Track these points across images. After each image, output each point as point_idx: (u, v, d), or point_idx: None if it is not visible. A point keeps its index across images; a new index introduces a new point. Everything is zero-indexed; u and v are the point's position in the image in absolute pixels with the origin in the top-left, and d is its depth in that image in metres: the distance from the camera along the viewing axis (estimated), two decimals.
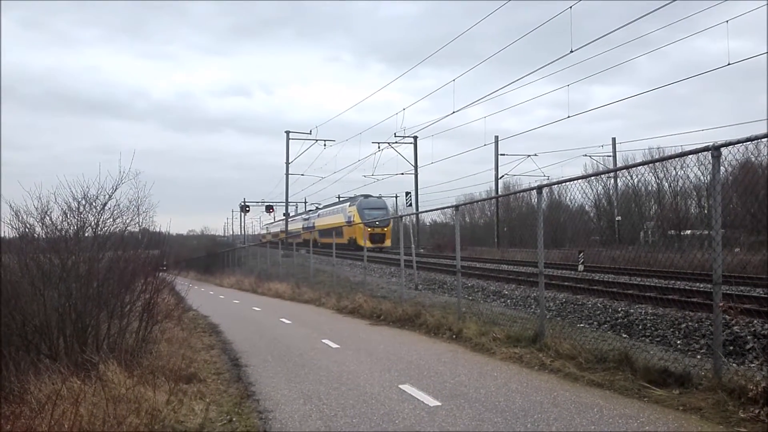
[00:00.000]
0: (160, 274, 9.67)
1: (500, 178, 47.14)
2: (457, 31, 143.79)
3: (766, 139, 5.65)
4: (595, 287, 13.91)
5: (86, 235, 8.19)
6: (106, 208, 8.19)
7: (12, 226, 7.80)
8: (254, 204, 65.00)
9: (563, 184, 9.51)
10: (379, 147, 44.74)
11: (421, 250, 40.20)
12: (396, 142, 44.59)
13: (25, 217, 7.73)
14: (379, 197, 49.13)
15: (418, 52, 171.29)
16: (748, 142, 5.81)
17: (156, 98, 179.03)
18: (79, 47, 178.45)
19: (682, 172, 7.29)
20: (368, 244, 22.50)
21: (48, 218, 7.86)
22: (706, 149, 5.90)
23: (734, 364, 7.03)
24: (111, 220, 8.37)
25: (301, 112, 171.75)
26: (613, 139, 41.62)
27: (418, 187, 47.90)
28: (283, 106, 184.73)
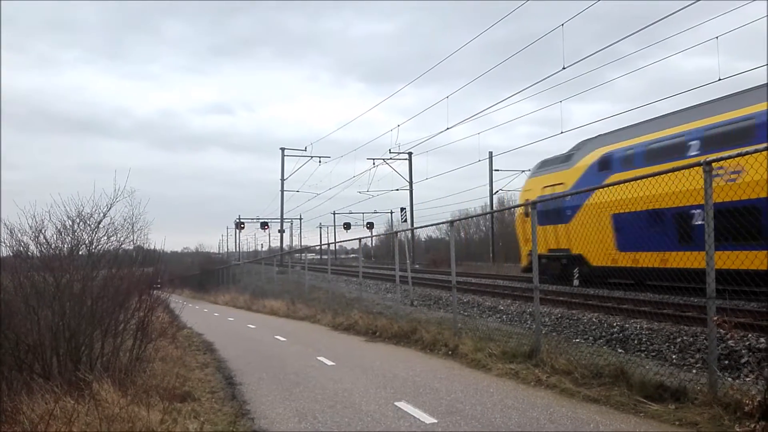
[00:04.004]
0: (155, 291, 9.63)
1: (495, 193, 47.36)
2: (431, 48, 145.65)
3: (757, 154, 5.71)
4: (590, 302, 13.92)
5: (80, 253, 8.17)
6: (101, 226, 8.19)
7: (6, 245, 7.79)
8: (249, 221, 65.02)
9: (558, 199, 9.55)
10: (374, 163, 44.94)
11: (417, 266, 40.20)
12: (391, 158, 44.81)
13: (19, 235, 7.72)
14: None
15: (395, 70, 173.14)
16: (739, 157, 5.89)
17: (140, 117, 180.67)
18: (61, 68, 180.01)
19: (676, 186, 7.35)
20: None
21: (42, 236, 7.85)
22: (698, 164, 5.95)
23: (730, 379, 7.04)
24: (105, 238, 8.36)
25: (286, 130, 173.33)
26: None
27: (413, 204, 48.07)
28: (266, 124, 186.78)
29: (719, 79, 15.64)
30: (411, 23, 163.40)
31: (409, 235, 41.24)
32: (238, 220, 63.24)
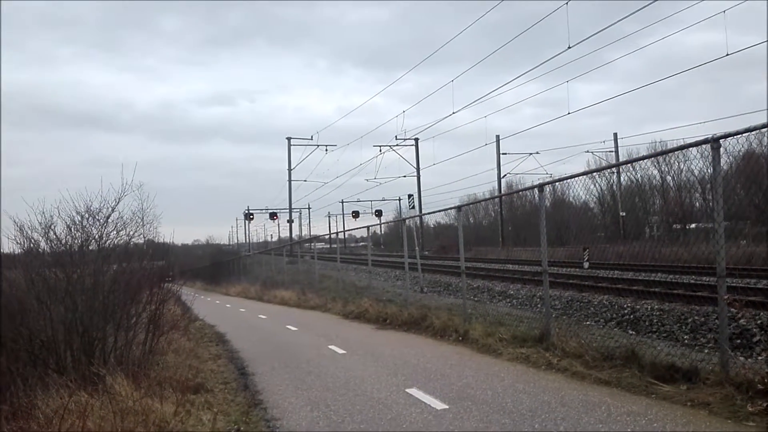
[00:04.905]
0: (166, 284, 9.68)
1: (503, 177, 47.16)
2: (427, 32, 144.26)
3: (766, 130, 5.63)
4: (601, 284, 13.87)
5: (90, 248, 8.21)
6: (110, 220, 8.22)
7: (17, 242, 7.84)
8: (258, 211, 65.18)
9: (566, 181, 9.51)
10: (380, 150, 44.88)
11: (426, 253, 40.20)
12: (397, 145, 44.72)
13: (29, 232, 7.76)
14: None
15: (392, 56, 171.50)
16: (747, 133, 5.80)
17: (141, 110, 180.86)
18: (58, 64, 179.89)
19: (684, 165, 7.27)
20: None
21: (52, 233, 7.89)
22: (705, 141, 5.89)
23: (742, 358, 7.00)
24: (115, 232, 8.39)
25: (287, 119, 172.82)
26: (615, 135, 41.56)
27: (421, 190, 47.98)
28: (268, 113, 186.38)
29: (727, 54, 15.47)
30: (406, 9, 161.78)
31: (418, 221, 41.24)
32: (247, 211, 63.45)
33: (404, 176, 50.66)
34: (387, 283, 22.26)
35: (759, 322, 8.43)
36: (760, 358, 7.08)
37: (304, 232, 72.54)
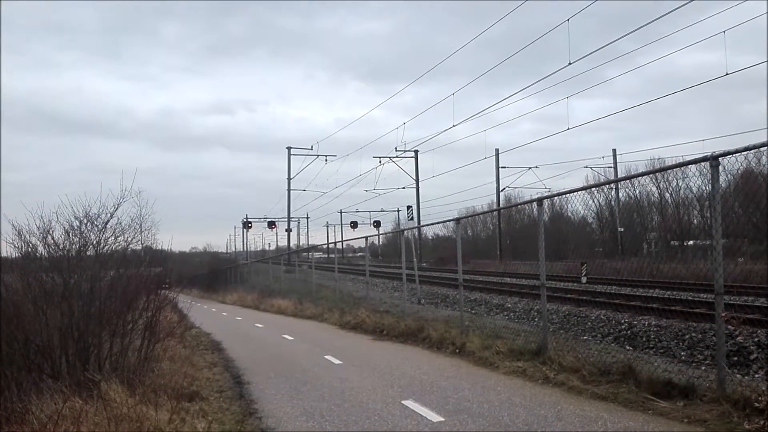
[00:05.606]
0: (163, 291, 9.65)
1: (502, 190, 47.24)
2: (427, 46, 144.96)
3: (765, 148, 5.66)
4: (598, 299, 13.87)
5: (88, 253, 8.19)
6: (108, 226, 8.21)
7: (14, 245, 7.82)
8: (256, 220, 65.13)
9: (564, 195, 9.53)
10: (380, 161, 44.96)
11: (424, 264, 40.16)
12: (397, 156, 44.83)
13: (27, 236, 7.75)
14: None
15: (392, 68, 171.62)
16: (746, 152, 5.83)
17: (142, 118, 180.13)
18: (59, 70, 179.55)
19: (683, 182, 7.29)
20: None
21: (50, 237, 7.88)
22: (704, 159, 5.91)
23: (739, 375, 7.00)
24: (113, 238, 8.37)
25: (286, 129, 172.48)
26: (614, 151, 41.77)
27: (420, 201, 48.06)
28: (267, 123, 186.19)
29: (726, 74, 15.58)
30: (405, 21, 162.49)
31: (416, 233, 41.21)
32: (245, 220, 63.34)
33: (403, 188, 50.80)
34: (384, 294, 22.22)
35: (756, 339, 8.43)
36: (757, 375, 7.07)
37: (303, 242, 72.52)
